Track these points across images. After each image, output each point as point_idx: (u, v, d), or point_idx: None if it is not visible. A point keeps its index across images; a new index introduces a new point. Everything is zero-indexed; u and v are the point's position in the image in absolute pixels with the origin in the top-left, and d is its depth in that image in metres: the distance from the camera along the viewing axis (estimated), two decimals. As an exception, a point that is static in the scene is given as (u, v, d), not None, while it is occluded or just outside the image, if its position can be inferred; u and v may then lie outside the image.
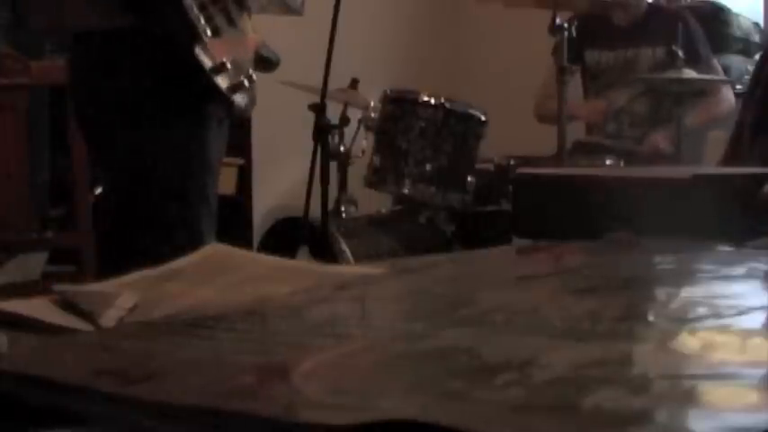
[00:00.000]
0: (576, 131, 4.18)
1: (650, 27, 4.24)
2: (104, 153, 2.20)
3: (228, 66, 2.11)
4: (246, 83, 2.16)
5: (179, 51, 2.08)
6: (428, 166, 3.60)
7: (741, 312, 0.82)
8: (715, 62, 4.24)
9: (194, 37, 2.07)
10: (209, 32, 2.09)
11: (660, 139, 4.10)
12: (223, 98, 2.13)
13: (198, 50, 2.08)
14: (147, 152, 2.12)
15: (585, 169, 3.43)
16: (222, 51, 2.11)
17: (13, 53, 3.22)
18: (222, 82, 2.12)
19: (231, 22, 2.16)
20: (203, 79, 2.09)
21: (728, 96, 4.21)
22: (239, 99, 2.16)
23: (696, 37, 4.17)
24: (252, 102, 2.20)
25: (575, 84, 4.08)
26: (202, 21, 2.08)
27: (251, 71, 2.19)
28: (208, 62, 2.09)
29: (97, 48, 2.12)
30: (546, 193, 2.22)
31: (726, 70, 4.45)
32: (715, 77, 4.16)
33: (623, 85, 4.23)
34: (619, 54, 4.28)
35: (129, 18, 2.07)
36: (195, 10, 2.07)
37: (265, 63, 2.27)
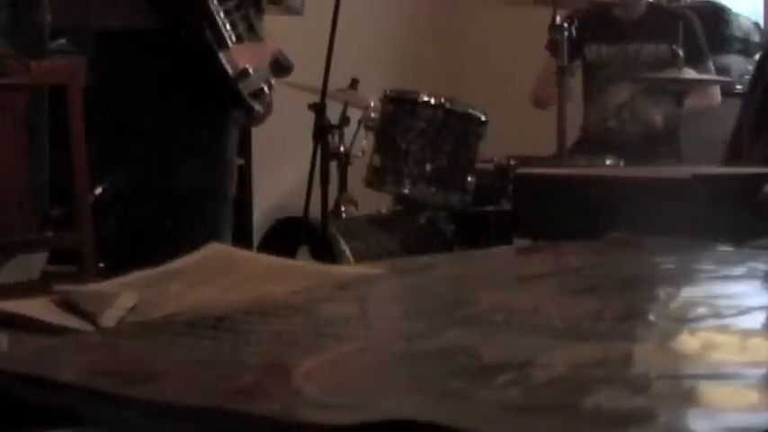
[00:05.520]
0: (575, 132, 4.18)
1: (652, 25, 4.25)
2: (122, 154, 2.19)
3: (251, 72, 2.12)
4: (266, 89, 2.17)
5: (204, 57, 2.09)
6: (428, 166, 3.59)
7: (741, 312, 0.82)
8: (710, 64, 4.27)
9: (220, 43, 2.08)
10: (233, 39, 2.10)
11: (656, 117, 4.15)
12: (244, 104, 2.14)
13: (222, 57, 2.09)
14: (167, 155, 2.13)
15: (585, 169, 3.43)
16: (245, 58, 2.12)
17: (13, 53, 3.22)
18: (244, 89, 2.13)
19: (252, 28, 2.17)
20: (227, 85, 2.10)
21: (716, 93, 4.25)
22: (258, 106, 2.17)
23: (698, 36, 4.19)
24: (268, 108, 2.21)
25: (575, 82, 4.08)
26: (228, 27, 2.09)
27: (270, 77, 2.20)
28: (232, 69, 2.10)
29: (121, 48, 2.13)
30: (546, 193, 2.22)
31: (726, 70, 4.47)
32: (713, 77, 4.18)
33: (624, 81, 4.23)
34: (620, 48, 4.28)
35: (155, 20, 2.07)
36: (222, 15, 2.08)
37: (281, 69, 2.28)
